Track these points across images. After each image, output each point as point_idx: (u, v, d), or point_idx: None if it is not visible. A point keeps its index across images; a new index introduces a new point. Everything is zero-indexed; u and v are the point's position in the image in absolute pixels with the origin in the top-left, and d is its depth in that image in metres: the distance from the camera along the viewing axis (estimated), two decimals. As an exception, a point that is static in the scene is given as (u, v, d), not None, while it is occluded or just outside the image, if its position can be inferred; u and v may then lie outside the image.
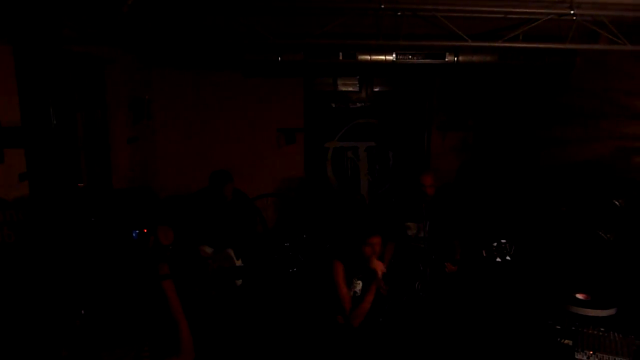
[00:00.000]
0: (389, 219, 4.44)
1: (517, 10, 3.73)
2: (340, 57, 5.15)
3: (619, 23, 3.87)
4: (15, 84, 3.45)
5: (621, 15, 3.73)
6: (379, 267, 3.41)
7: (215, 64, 6.43)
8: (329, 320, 3.58)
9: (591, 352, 2.86)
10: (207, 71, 6.47)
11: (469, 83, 6.80)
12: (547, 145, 5.59)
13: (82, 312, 2.54)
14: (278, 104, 6.77)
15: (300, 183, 6.90)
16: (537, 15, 3.75)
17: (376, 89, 6.99)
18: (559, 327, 3.10)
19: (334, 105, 7.01)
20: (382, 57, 5.14)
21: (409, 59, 5.14)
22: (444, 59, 5.15)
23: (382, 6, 3.51)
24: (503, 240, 3.56)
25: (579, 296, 3.47)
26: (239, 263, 4.61)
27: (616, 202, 3.84)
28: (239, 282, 4.58)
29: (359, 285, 3.55)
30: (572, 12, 3.59)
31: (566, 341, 2.98)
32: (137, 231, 2.51)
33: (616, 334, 2.98)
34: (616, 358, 2.80)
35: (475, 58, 5.16)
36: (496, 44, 4.04)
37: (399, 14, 3.65)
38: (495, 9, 3.73)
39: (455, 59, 5.15)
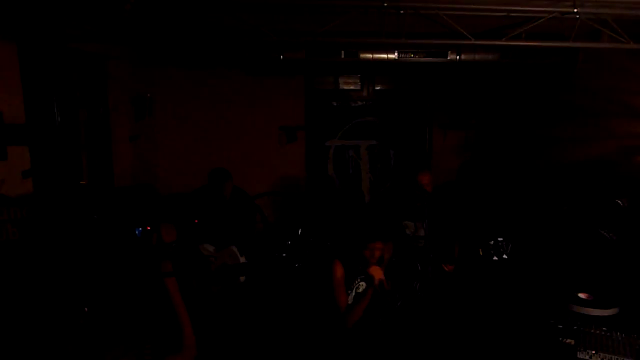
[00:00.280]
0: (387, 218, 4.44)
1: (520, 8, 3.72)
2: (342, 56, 5.15)
3: (622, 21, 3.86)
4: (18, 82, 3.45)
5: (625, 14, 3.72)
6: (377, 274, 3.40)
7: (217, 62, 6.41)
8: (325, 320, 3.58)
9: (594, 352, 2.85)
10: (209, 69, 6.46)
11: (471, 82, 6.79)
12: (549, 144, 5.58)
13: (86, 309, 2.54)
14: (279, 102, 6.76)
15: (301, 181, 6.90)
16: (541, 14, 3.74)
17: (377, 88, 6.99)
18: (561, 326, 3.09)
19: (335, 104, 7.01)
20: (384, 56, 5.13)
21: (411, 57, 5.13)
22: (446, 57, 5.14)
23: (385, 4, 3.51)
24: (500, 239, 3.56)
25: (581, 295, 3.46)
26: (242, 260, 4.62)
27: (619, 201, 3.84)
28: (243, 278, 4.59)
29: (362, 287, 3.54)
30: (575, 10, 3.58)
31: (568, 341, 2.98)
32: (141, 229, 2.51)
33: (619, 334, 2.98)
34: (619, 358, 2.80)
35: (477, 57, 5.15)
36: (499, 42, 4.04)
37: (402, 12, 3.65)
38: (498, 7, 3.72)
39: (458, 57, 5.14)
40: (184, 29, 4.64)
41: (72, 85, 4.43)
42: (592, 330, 3.02)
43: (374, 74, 6.87)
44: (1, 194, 3.25)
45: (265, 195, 6.69)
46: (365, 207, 6.89)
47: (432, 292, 4.16)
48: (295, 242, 5.36)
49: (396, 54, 5.11)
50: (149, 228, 2.51)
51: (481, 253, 3.62)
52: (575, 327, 3.06)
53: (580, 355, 2.87)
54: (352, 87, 6.92)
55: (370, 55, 5.13)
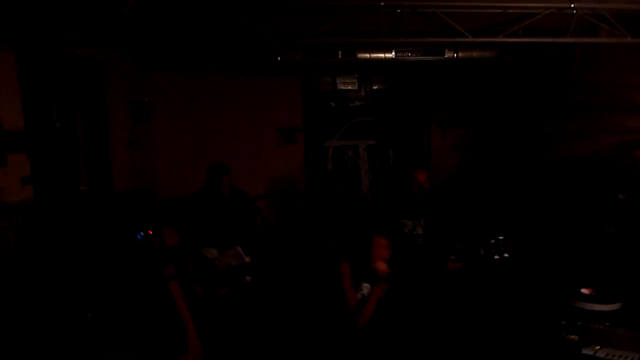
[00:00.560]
0: (385, 216, 4.44)
1: (517, 4, 3.71)
2: (340, 56, 5.15)
3: (619, 15, 3.86)
4: (17, 89, 3.44)
5: (622, 8, 3.72)
6: (383, 267, 3.41)
7: (214, 65, 6.39)
8: (336, 321, 3.58)
9: (598, 347, 2.84)
10: (206, 72, 6.45)
11: (469, 80, 6.80)
12: (548, 140, 5.58)
13: (89, 315, 2.54)
14: (277, 103, 6.76)
15: (301, 182, 6.89)
16: (537, 10, 3.74)
17: (375, 87, 6.99)
18: (564, 322, 3.09)
19: (333, 104, 7.01)
20: (382, 55, 5.13)
21: (408, 56, 5.14)
22: (444, 55, 5.15)
23: (382, 3, 3.50)
24: (501, 237, 3.55)
25: (584, 291, 3.46)
26: (247, 259, 4.61)
27: (619, 196, 3.84)
28: (249, 278, 4.58)
29: (366, 289, 3.54)
30: (572, 5, 3.58)
31: (572, 337, 2.97)
32: (142, 233, 2.51)
33: (622, 329, 2.97)
34: (623, 352, 2.79)
35: (474, 54, 5.16)
36: (496, 39, 4.03)
37: (399, 10, 3.65)
38: (495, 4, 3.71)
39: (455, 55, 5.15)
40: (181, 32, 4.64)
41: (69, 90, 4.42)
42: (596, 326, 3.02)
43: (371, 73, 6.86)
44: (1, 201, 3.24)
45: (265, 197, 6.69)
46: (367, 206, 6.87)
47: (434, 291, 4.15)
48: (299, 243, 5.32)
49: (393, 53, 5.11)
50: (150, 232, 2.50)
51: (482, 252, 3.61)
52: (578, 323, 3.05)
53: (584, 351, 2.86)
54: (349, 87, 6.92)
55: (368, 55, 5.14)
